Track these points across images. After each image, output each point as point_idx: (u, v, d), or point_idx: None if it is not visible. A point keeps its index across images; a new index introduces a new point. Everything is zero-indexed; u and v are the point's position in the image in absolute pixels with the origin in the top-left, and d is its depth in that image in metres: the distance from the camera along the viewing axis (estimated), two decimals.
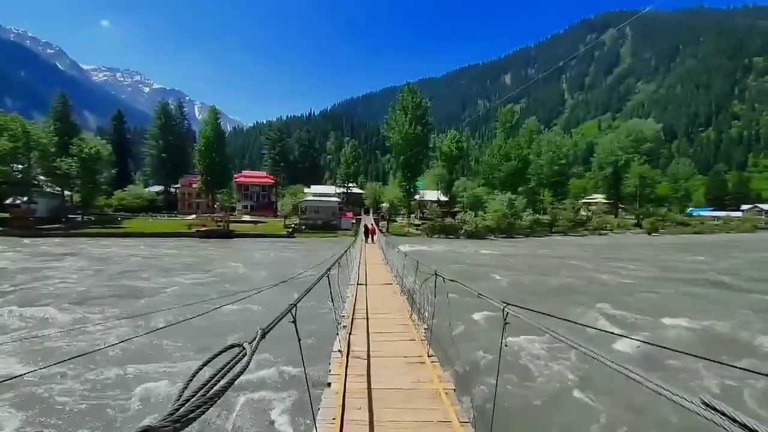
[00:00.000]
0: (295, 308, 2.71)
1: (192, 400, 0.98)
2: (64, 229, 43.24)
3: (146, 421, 0.82)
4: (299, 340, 2.79)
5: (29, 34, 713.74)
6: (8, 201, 45.07)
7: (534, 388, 7.03)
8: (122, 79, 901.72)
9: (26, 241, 35.18)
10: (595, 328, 3.22)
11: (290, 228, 49.22)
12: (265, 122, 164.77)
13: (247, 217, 59.86)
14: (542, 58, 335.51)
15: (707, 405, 1.01)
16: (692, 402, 1.05)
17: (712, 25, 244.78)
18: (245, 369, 1.26)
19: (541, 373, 7.64)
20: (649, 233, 58.89)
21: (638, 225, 63.96)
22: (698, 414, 1.02)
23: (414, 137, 56.62)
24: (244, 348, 1.52)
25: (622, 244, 43.81)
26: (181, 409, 0.93)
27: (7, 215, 43.64)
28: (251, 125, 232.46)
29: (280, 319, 2.31)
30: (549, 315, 2.95)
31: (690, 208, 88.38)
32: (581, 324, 2.84)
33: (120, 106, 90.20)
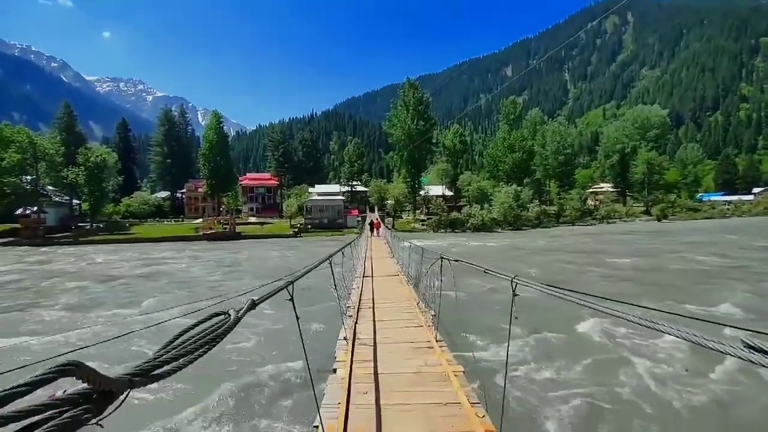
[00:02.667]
0: (292, 285, 2.59)
1: (160, 358, 0.92)
2: (73, 236, 43.78)
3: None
4: (297, 318, 2.68)
5: (33, 49, 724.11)
6: (18, 211, 45.68)
7: (546, 364, 6.86)
8: (126, 88, 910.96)
9: (43, 249, 35.67)
10: (611, 300, 3.07)
11: (296, 228, 49.32)
12: (267, 125, 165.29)
13: (253, 219, 60.16)
14: (543, 48, 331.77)
15: (750, 347, 0.93)
16: (733, 346, 0.96)
17: (716, 7, 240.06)
18: (227, 334, 1.21)
19: (553, 353, 7.47)
20: (659, 220, 58.07)
21: (647, 212, 63.10)
22: (741, 358, 0.94)
23: (417, 132, 56.32)
24: (229, 315, 1.43)
25: (660, 230, 42.94)
26: (146, 365, 0.87)
27: (18, 225, 44.34)
28: (254, 128, 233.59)
29: (275, 293, 2.20)
30: (555, 287, 2.81)
31: (700, 194, 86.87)
32: (589, 295, 2.70)
33: (124, 116, 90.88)
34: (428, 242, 30.23)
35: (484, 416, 3.12)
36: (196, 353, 1.02)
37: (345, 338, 5.19)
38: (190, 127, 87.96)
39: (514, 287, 2.63)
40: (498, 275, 2.98)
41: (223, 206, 62.92)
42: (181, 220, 62.45)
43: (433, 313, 6.24)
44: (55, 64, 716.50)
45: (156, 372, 0.88)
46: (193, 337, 1.09)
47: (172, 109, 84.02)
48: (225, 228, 46.80)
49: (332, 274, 5.22)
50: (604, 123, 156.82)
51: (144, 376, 0.84)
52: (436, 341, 4.98)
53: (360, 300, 7.53)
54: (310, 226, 51.13)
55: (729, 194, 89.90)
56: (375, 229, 30.10)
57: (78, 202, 53.68)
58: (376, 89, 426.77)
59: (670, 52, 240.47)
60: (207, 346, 1.07)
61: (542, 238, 36.90)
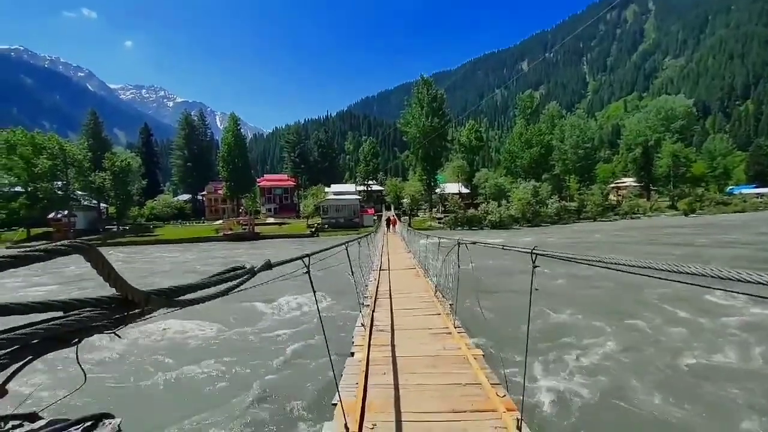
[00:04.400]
0: (308, 258, 2.61)
1: (180, 289, 0.97)
2: (102, 239, 45.46)
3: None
4: (314, 291, 2.69)
5: (61, 60, 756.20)
6: (50, 216, 47.81)
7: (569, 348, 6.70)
8: (148, 95, 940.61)
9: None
10: (628, 267, 2.97)
11: (313, 228, 49.81)
12: (284, 126, 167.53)
13: (271, 220, 61.08)
14: (561, 40, 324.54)
15: None
16: None
17: None
18: (242, 284, 1.33)
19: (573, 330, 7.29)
20: (686, 214, 55.95)
21: (673, 207, 60.85)
22: None
23: (431, 129, 56.00)
24: (245, 268, 1.48)
25: (706, 224, 40.14)
26: (166, 290, 0.90)
27: (50, 229, 46.44)
28: (270, 131, 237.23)
29: (291, 261, 2.22)
30: (574, 256, 2.74)
31: (730, 187, 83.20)
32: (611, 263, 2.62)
33: (147, 122, 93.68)
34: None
35: (504, 395, 3.07)
36: (212, 292, 1.11)
37: (362, 325, 5.20)
38: (209, 131, 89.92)
39: (534, 259, 2.58)
40: (517, 250, 2.94)
41: (242, 207, 64.17)
42: (202, 221, 64.00)
43: (451, 302, 6.19)
44: (82, 74, 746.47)
45: (174, 298, 0.92)
46: (213, 282, 1.18)
47: (192, 113, 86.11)
48: (244, 228, 47.67)
49: (349, 261, 5.24)
50: (625, 115, 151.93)
51: (161, 296, 0.87)
52: (455, 327, 4.93)
53: (377, 291, 7.53)
54: (326, 226, 51.53)
55: (761, 186, 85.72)
56: (391, 226, 30.68)
57: (105, 205, 55.73)
58: (390, 88, 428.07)
59: (694, 39, 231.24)
60: (224, 291, 1.19)
61: (584, 233, 35.65)
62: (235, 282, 1.31)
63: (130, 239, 45.36)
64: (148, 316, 0.86)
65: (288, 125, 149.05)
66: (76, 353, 0.72)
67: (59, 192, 48.42)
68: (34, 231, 46.61)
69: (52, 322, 0.66)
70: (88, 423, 0.71)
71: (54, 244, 0.63)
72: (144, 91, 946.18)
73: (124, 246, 41.43)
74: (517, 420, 2.58)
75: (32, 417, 0.72)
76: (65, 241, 0.63)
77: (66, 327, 0.67)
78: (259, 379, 6.32)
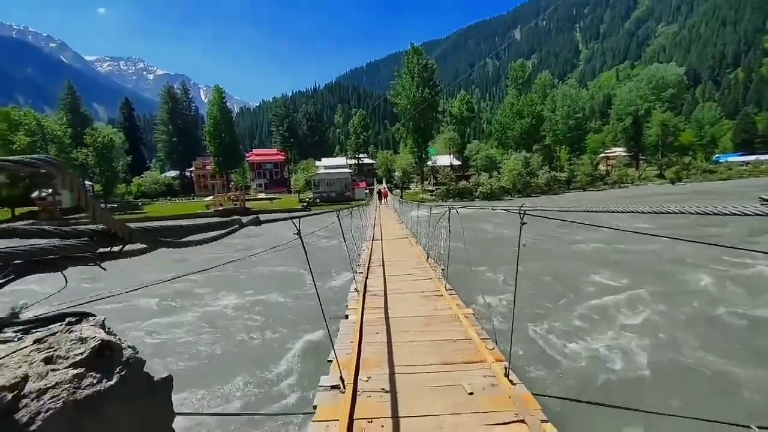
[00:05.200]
0: (299, 220, 2.63)
1: (170, 232, 0.95)
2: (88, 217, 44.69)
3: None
4: (306, 253, 2.73)
5: (30, 29, 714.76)
6: (34, 195, 46.60)
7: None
8: (126, 67, 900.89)
9: None
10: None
11: (305, 202, 49.56)
12: (271, 100, 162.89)
13: (262, 195, 60.52)
14: (554, 7, 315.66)
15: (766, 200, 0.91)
16: (747, 206, 0.96)
17: None
18: (230, 234, 1.34)
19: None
20: (673, 183, 56.91)
21: (661, 176, 61.73)
22: (757, 214, 0.92)
23: (422, 100, 54.96)
24: (234, 220, 1.50)
25: (688, 191, 41.00)
26: (153, 229, 0.88)
27: (35, 208, 45.39)
28: (257, 105, 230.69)
29: (280, 220, 2.24)
30: (561, 210, 2.80)
31: (717, 155, 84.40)
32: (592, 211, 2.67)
33: (127, 96, 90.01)
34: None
35: (493, 348, 3.21)
36: (199, 237, 1.11)
37: (356, 290, 5.31)
38: (193, 105, 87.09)
39: (522, 216, 2.64)
40: (505, 210, 3.00)
41: (232, 183, 63.27)
42: (192, 198, 63.12)
43: (442, 267, 6.32)
44: (54, 45, 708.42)
45: (160, 238, 0.90)
46: (201, 228, 1.17)
47: (174, 86, 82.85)
48: (235, 204, 47.18)
49: (341, 228, 5.26)
50: (617, 85, 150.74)
51: (147, 234, 0.85)
52: (446, 290, 5.06)
53: (370, 259, 7.64)
54: (318, 200, 51.29)
55: (746, 154, 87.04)
56: (383, 198, 30.86)
57: (90, 183, 54.42)
58: (378, 58, 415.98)
59: (688, 5, 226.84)
60: (211, 238, 1.21)
61: (581, 203, 36.31)
62: (223, 231, 1.32)
63: (119, 217, 44.57)
64: (137, 256, 0.83)
65: (275, 98, 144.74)
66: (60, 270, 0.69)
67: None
68: (19, 210, 45.60)
69: (35, 246, 0.64)
70: (73, 319, 0.70)
71: (24, 156, 0.58)
72: (122, 63, 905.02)
73: None
74: (505, 368, 2.71)
75: (15, 315, 0.71)
76: (38, 155, 0.58)
77: (48, 252, 0.66)
78: (252, 338, 6.51)
